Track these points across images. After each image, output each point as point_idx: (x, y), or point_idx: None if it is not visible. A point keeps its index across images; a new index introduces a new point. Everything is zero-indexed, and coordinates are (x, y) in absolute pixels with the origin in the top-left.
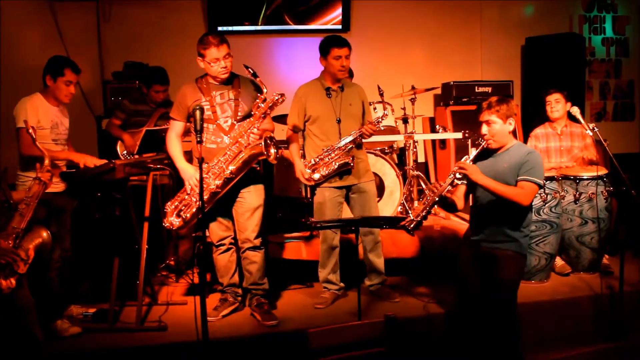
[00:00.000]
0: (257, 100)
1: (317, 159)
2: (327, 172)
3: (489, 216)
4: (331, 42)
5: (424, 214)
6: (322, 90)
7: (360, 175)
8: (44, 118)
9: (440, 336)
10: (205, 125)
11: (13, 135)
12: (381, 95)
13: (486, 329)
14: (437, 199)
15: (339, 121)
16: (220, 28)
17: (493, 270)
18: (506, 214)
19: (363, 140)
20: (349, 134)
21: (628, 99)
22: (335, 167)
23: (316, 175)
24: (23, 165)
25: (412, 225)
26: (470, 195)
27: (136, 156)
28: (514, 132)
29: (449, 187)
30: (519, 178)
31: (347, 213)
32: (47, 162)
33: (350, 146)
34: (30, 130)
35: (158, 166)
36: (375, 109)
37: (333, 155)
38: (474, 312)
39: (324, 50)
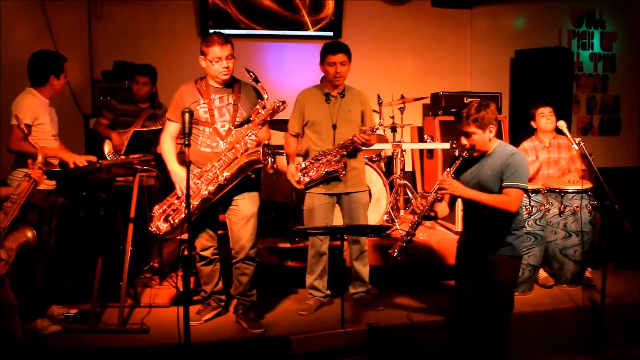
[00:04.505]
0: (257, 107)
1: (309, 163)
2: (315, 176)
3: (480, 223)
4: (326, 49)
5: (408, 238)
6: (321, 95)
7: (351, 184)
8: (42, 114)
9: (424, 345)
10: (201, 128)
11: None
12: (380, 104)
13: (479, 332)
14: (420, 220)
15: (334, 127)
16: (211, 31)
17: (488, 275)
18: (496, 220)
19: (362, 149)
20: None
21: (614, 113)
22: (323, 173)
23: (305, 179)
24: (19, 161)
25: (396, 251)
26: (459, 201)
27: (123, 157)
28: (499, 133)
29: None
30: (503, 185)
31: (339, 219)
32: (40, 158)
33: (343, 153)
34: (22, 126)
35: (144, 167)
36: None
37: (324, 160)
38: (470, 316)
39: (321, 57)
